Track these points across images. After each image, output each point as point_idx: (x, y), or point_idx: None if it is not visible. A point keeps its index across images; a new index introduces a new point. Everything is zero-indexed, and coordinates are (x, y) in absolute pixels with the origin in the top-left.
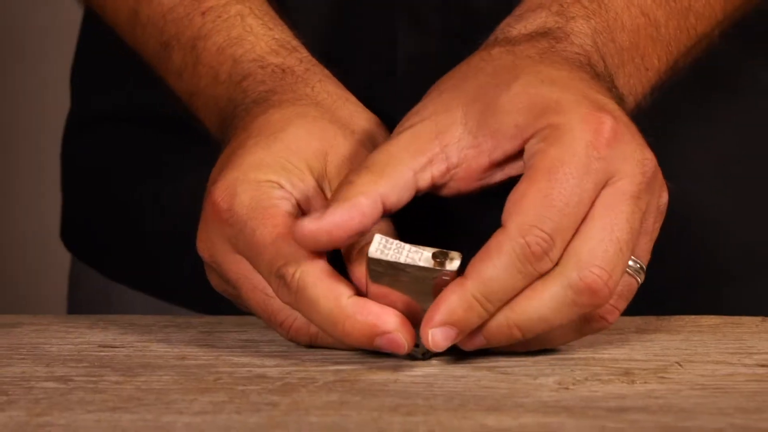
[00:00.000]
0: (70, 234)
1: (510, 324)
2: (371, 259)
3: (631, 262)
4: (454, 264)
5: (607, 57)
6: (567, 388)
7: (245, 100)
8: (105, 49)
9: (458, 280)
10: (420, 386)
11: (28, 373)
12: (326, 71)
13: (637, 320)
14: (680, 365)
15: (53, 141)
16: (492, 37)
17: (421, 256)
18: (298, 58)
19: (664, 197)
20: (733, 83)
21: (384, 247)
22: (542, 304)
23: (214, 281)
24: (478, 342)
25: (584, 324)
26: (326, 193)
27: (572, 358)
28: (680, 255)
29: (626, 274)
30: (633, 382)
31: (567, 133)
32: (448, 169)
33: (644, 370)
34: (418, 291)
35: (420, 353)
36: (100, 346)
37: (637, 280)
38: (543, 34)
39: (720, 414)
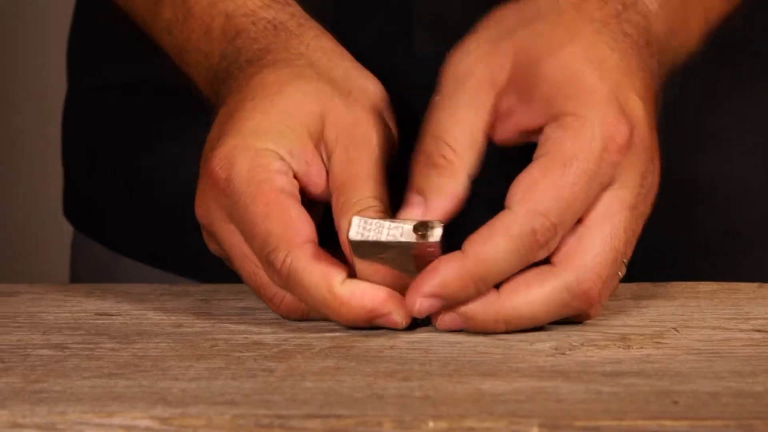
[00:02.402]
0: (71, 206)
1: (498, 318)
2: (352, 242)
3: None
4: (436, 234)
5: (673, 18)
6: (563, 354)
7: (239, 58)
8: (102, 21)
9: (456, 254)
10: (416, 352)
11: (25, 341)
12: (319, 26)
13: (633, 287)
14: (676, 330)
15: (56, 113)
16: None
17: (402, 230)
18: (290, 13)
19: (651, 199)
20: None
21: (363, 229)
22: (535, 303)
23: (212, 246)
24: (457, 325)
25: (564, 312)
26: (323, 157)
27: (568, 324)
28: (703, 222)
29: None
30: (629, 347)
31: (587, 130)
32: (493, 122)
33: (640, 335)
34: (404, 264)
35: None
36: (96, 314)
37: (619, 274)
38: None
39: (716, 378)
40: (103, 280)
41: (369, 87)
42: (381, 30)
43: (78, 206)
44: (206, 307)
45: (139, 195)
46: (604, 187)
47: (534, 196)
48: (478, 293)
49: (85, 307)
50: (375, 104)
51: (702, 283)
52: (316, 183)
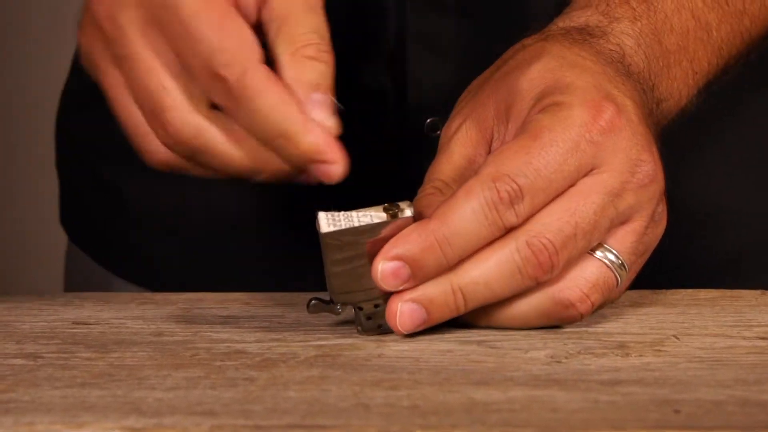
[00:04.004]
0: (66, 216)
1: (454, 289)
2: (327, 234)
3: (612, 257)
4: (407, 213)
5: (652, 60)
6: (559, 362)
7: None
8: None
9: (421, 221)
10: (405, 361)
11: None
12: None
13: (633, 294)
14: (677, 338)
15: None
16: (535, 33)
17: (371, 216)
18: None
19: (661, 208)
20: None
21: (333, 221)
22: (487, 267)
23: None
24: (418, 316)
25: (552, 310)
26: None
27: (565, 332)
28: (705, 248)
29: (606, 268)
30: (628, 355)
31: (565, 110)
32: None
33: (639, 343)
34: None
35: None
36: (74, 323)
37: (616, 277)
38: (580, 30)
39: (719, 386)
40: (96, 290)
41: None
42: (375, 50)
43: (71, 215)
44: (188, 315)
45: (127, 209)
46: (586, 168)
47: (500, 159)
48: (446, 259)
49: (63, 316)
50: None
51: (703, 290)
52: (246, 6)
